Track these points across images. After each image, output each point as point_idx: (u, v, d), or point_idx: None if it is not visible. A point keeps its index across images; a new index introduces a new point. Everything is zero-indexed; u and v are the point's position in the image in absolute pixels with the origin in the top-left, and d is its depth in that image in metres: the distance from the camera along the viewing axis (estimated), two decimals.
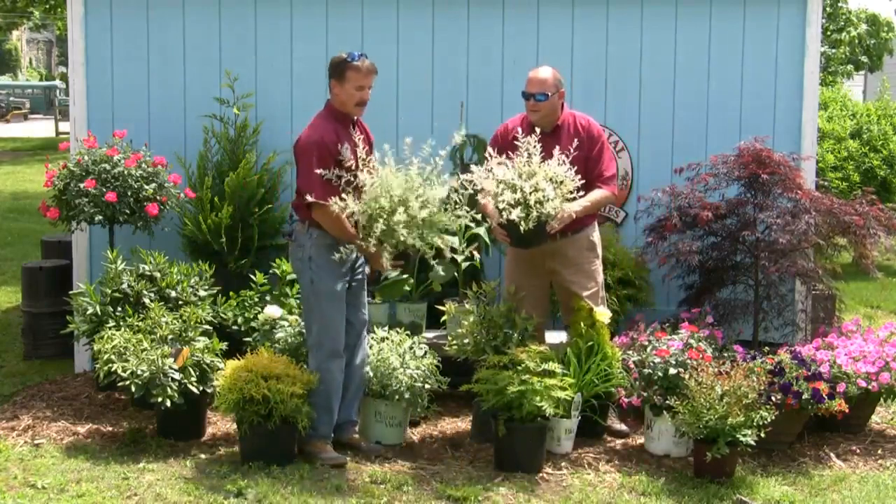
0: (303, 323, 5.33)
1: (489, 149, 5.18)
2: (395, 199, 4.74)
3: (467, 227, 6.03)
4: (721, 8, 6.69)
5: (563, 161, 5.01)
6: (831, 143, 10.64)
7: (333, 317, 5.06)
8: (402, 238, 4.72)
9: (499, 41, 6.67)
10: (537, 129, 5.18)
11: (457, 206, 4.89)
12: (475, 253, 4.85)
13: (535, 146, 5.01)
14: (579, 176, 5.03)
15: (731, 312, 6.15)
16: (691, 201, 6.04)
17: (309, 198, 4.88)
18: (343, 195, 4.79)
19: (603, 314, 5.34)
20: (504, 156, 5.08)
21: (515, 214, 4.88)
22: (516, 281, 5.49)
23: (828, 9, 20.80)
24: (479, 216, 5.24)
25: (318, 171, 4.84)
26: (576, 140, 5.22)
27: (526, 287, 5.47)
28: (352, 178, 4.84)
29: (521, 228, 4.91)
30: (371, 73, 5.04)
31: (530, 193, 4.90)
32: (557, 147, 5.11)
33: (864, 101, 12.33)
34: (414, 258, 4.96)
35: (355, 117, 5.10)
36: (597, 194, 5.28)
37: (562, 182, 4.98)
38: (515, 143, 5.17)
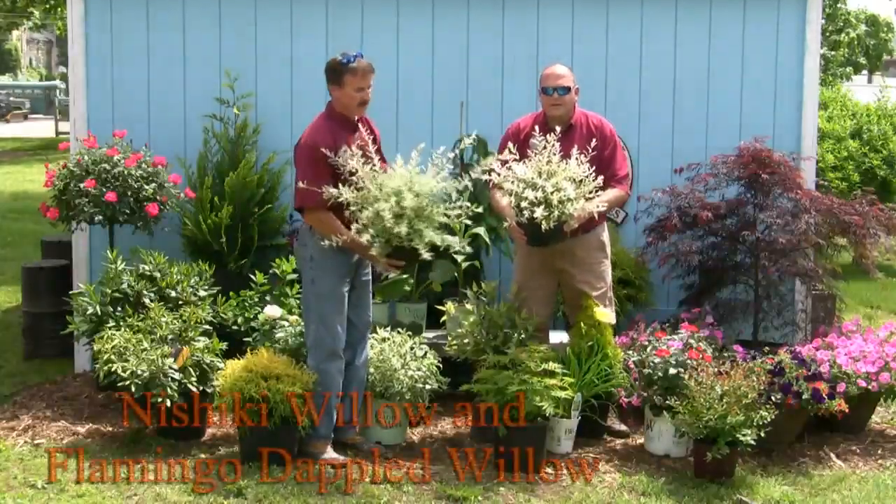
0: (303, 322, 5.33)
1: (509, 145, 5.15)
2: (387, 192, 4.73)
3: (467, 226, 6.04)
4: (721, 8, 6.69)
5: (582, 161, 5.01)
6: (831, 143, 10.63)
7: (333, 317, 5.05)
8: (388, 226, 4.69)
9: (499, 41, 6.67)
10: (553, 129, 5.17)
11: (452, 203, 4.88)
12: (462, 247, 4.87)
13: (553, 144, 5.01)
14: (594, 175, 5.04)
15: (731, 312, 6.16)
16: (691, 201, 6.04)
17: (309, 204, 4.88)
18: (338, 189, 4.78)
19: (604, 314, 5.33)
20: (518, 155, 5.08)
21: (539, 213, 4.87)
22: (525, 280, 5.49)
23: (827, 9, 20.80)
24: (478, 210, 5.22)
25: (304, 180, 4.85)
26: (594, 140, 5.22)
27: (534, 286, 5.46)
28: (353, 180, 4.83)
29: (543, 228, 4.91)
30: (368, 72, 5.02)
31: (552, 193, 4.90)
32: (573, 146, 5.11)
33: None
34: (413, 257, 4.93)
35: (357, 117, 5.10)
36: (611, 194, 5.27)
37: (581, 182, 4.99)
38: (529, 142, 5.17)
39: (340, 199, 4.78)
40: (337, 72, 4.99)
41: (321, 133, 4.96)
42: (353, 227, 4.80)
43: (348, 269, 5.07)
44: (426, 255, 4.81)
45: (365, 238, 4.74)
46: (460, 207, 4.89)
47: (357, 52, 5.04)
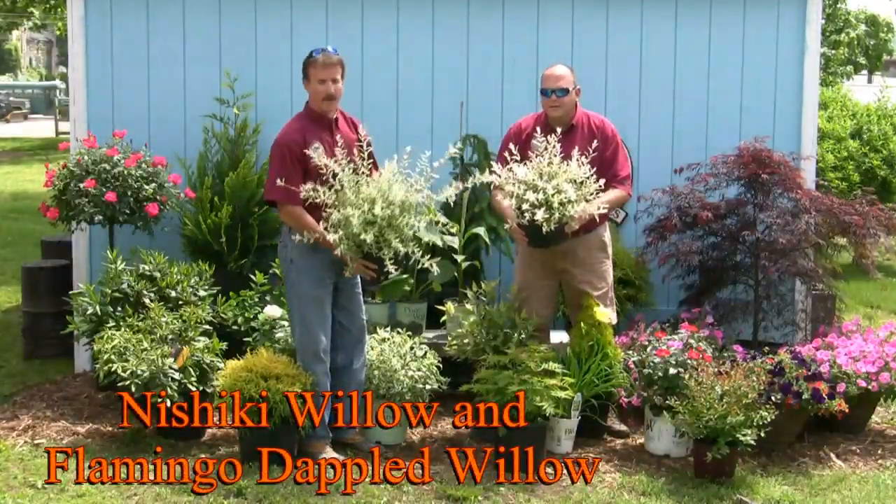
0: None
1: (510, 146, 5.13)
2: (362, 198, 4.72)
3: (467, 226, 6.04)
4: (721, 7, 6.69)
5: (583, 162, 5.01)
6: (831, 143, 10.63)
7: (312, 319, 5.03)
8: (356, 232, 4.67)
9: (499, 41, 6.67)
10: (555, 130, 5.16)
11: (427, 212, 4.86)
12: (433, 265, 4.82)
13: (554, 146, 5.01)
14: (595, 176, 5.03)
15: (731, 312, 6.15)
16: (691, 201, 6.04)
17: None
18: (315, 186, 4.77)
19: (605, 314, 5.33)
20: (520, 156, 5.08)
21: (540, 215, 4.87)
22: (527, 280, 5.49)
23: (827, 10, 20.81)
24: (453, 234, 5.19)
25: (276, 177, 4.85)
26: (595, 141, 5.21)
27: (536, 286, 5.46)
28: (327, 177, 4.81)
29: (544, 230, 4.90)
30: (329, 65, 4.95)
31: (553, 195, 4.90)
32: (574, 147, 5.10)
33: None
34: (384, 262, 4.83)
35: (333, 115, 5.05)
36: (612, 195, 5.27)
37: (582, 183, 4.98)
38: (531, 143, 5.16)
39: (317, 200, 4.77)
40: (304, 66, 5.01)
41: (291, 130, 4.98)
42: (322, 224, 4.80)
43: (328, 270, 5.05)
44: (391, 268, 4.77)
45: (332, 238, 4.74)
46: (444, 225, 4.86)
47: (328, 48, 5.02)
